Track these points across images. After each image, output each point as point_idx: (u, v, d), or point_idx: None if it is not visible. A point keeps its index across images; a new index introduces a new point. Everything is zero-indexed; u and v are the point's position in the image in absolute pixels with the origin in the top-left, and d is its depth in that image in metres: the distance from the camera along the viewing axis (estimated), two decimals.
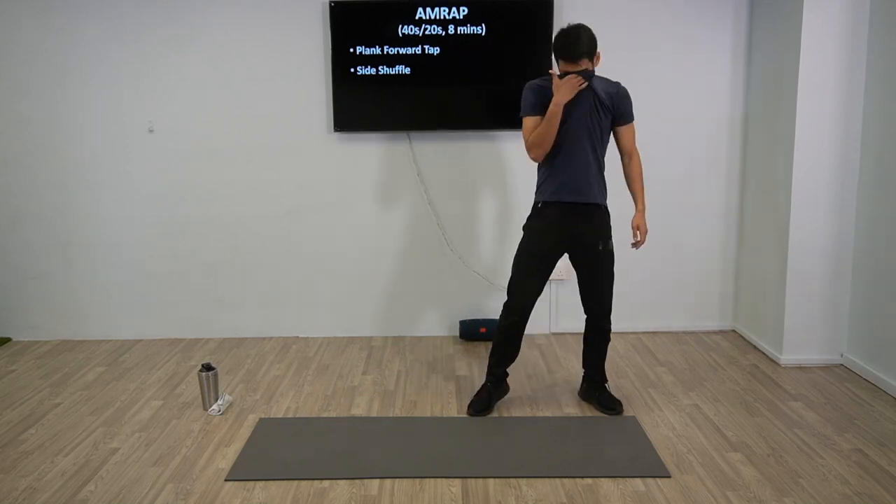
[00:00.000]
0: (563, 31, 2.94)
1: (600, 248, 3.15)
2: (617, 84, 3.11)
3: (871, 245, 3.59)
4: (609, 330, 3.28)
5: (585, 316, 3.29)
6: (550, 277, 4.21)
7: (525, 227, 3.22)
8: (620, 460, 2.80)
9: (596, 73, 3.02)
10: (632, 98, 3.12)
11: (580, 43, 2.89)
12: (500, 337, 3.25)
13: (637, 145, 3.19)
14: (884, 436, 3.00)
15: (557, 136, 3.04)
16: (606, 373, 3.37)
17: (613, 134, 3.17)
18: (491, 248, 4.30)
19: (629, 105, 3.11)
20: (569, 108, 3.00)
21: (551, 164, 3.11)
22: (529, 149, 3.09)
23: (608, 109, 3.07)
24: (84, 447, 2.97)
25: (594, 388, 3.33)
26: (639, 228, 3.17)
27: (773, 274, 3.90)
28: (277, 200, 4.26)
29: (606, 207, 3.17)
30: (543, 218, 3.14)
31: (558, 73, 2.97)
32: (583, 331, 3.32)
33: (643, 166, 3.34)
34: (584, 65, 2.90)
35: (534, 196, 3.21)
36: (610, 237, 3.19)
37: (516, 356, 3.32)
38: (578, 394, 3.44)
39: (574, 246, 3.17)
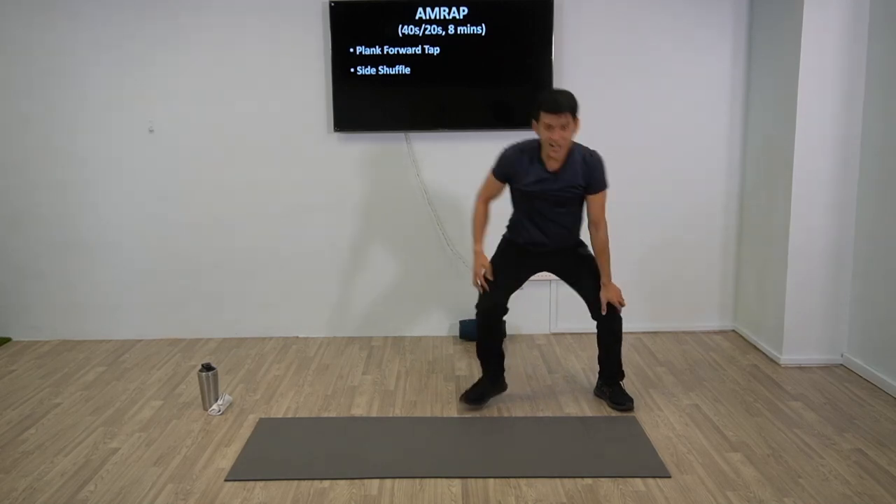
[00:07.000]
0: (549, 89, 3.03)
1: (580, 251, 3.27)
2: (592, 153, 3.10)
3: (871, 245, 3.59)
4: (619, 330, 3.28)
5: (595, 321, 3.31)
6: (550, 278, 4.21)
7: (503, 236, 3.33)
8: (620, 460, 2.80)
9: (575, 142, 3.05)
10: (605, 164, 3.10)
11: (567, 97, 2.94)
12: (478, 334, 3.33)
13: (606, 216, 3.19)
14: (884, 436, 3.00)
15: (525, 206, 3.17)
16: (623, 370, 3.39)
17: (585, 201, 3.17)
18: (491, 248, 4.28)
19: (601, 174, 3.10)
20: (534, 191, 3.09)
21: (520, 216, 3.20)
22: (475, 208, 3.25)
23: (580, 187, 3.10)
24: (84, 447, 2.97)
25: (608, 383, 3.35)
26: (608, 300, 3.20)
27: (774, 274, 3.90)
28: (277, 200, 4.26)
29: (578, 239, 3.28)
30: (513, 243, 3.29)
31: (538, 136, 3.04)
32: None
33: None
34: (567, 118, 2.93)
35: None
36: (585, 245, 3.29)
37: (501, 354, 3.34)
38: (594, 392, 3.45)
39: (549, 261, 3.28)
